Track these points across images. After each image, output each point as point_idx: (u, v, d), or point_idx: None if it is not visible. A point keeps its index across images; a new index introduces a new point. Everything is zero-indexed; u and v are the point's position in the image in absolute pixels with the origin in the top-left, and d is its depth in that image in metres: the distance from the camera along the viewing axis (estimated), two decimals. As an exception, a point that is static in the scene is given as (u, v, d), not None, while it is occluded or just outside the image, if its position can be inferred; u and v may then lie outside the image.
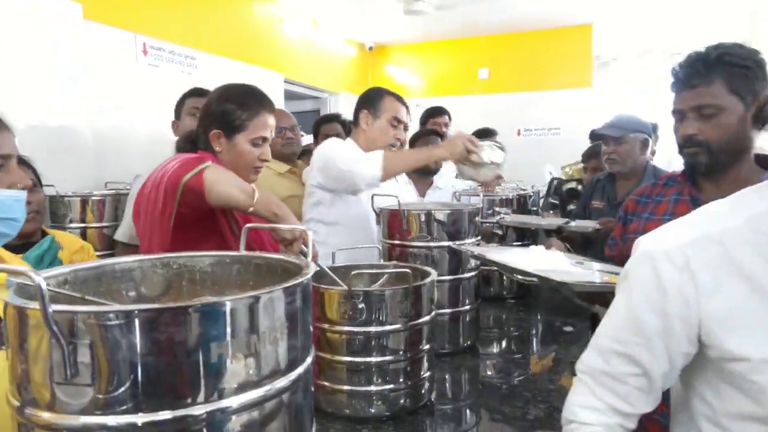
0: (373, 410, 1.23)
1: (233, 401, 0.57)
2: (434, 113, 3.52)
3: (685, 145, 1.24)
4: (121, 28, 3.01)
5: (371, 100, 2.12)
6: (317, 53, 5.16)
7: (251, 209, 1.29)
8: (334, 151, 1.99)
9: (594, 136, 2.30)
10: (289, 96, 4.71)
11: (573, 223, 2.13)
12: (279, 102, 4.34)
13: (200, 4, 3.69)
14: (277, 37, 4.56)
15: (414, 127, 3.25)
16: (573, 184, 3.08)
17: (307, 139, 3.28)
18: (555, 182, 3.20)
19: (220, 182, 1.26)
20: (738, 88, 1.16)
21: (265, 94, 1.54)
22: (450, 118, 3.55)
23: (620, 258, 1.40)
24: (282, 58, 4.59)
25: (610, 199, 2.25)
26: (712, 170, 1.24)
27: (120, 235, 2.15)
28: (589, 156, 2.93)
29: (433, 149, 1.87)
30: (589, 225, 2.06)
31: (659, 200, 1.39)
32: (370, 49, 6.15)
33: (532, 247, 1.40)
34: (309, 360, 0.68)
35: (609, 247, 1.55)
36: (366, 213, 2.04)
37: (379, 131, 2.09)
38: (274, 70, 4.40)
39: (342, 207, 2.03)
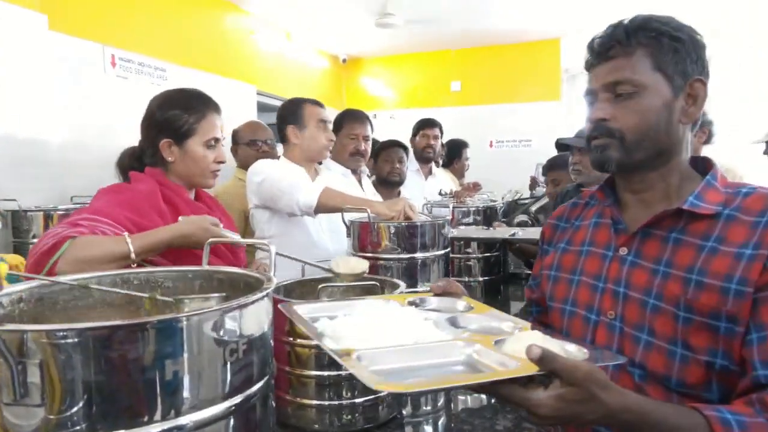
0: (341, 424, 1.22)
1: (190, 418, 0.57)
2: (425, 125, 3.49)
3: (592, 134, 0.94)
4: (89, 39, 2.97)
5: (292, 113, 2.14)
6: (290, 65, 5.17)
7: (135, 264, 1.12)
8: (273, 172, 2.01)
9: (559, 145, 2.32)
10: (262, 108, 4.70)
11: (519, 233, 2.14)
12: (251, 113, 4.32)
13: (170, 15, 3.66)
14: (250, 49, 4.55)
15: (399, 137, 3.27)
16: (524, 218, 3.04)
17: (280, 149, 3.27)
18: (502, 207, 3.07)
19: (81, 269, 0.98)
20: (665, 66, 0.89)
21: (208, 95, 1.50)
22: (441, 131, 3.53)
23: (545, 302, 1.12)
24: (254, 69, 4.58)
25: None
26: (624, 169, 0.95)
27: None
28: (550, 168, 2.95)
29: (374, 203, 1.88)
30: (534, 235, 2.07)
31: (578, 225, 1.09)
32: (344, 61, 6.18)
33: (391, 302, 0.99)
34: (268, 375, 0.68)
35: (530, 288, 1.21)
36: (305, 226, 2.07)
37: (310, 139, 2.12)
38: (247, 82, 4.39)
39: (270, 225, 2.06)
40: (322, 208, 1.90)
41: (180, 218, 1.22)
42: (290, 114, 2.14)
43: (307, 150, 2.13)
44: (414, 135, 3.49)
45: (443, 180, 3.61)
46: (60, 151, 2.69)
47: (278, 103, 5.11)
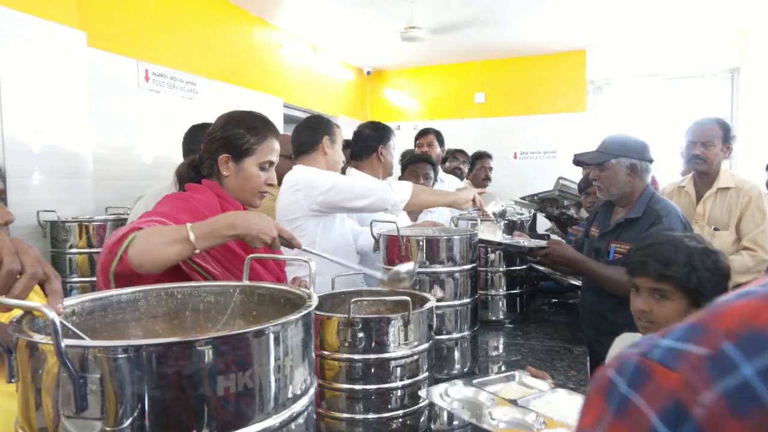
0: (372, 438, 1.23)
1: (238, 434, 0.59)
2: (419, 135, 3.69)
3: None
4: (124, 55, 3.07)
5: (330, 127, 2.26)
6: (316, 78, 5.24)
7: (197, 251, 1.15)
8: (339, 177, 2.10)
9: (576, 162, 2.25)
10: (288, 120, 4.77)
11: (525, 242, 2.19)
12: (278, 126, 4.38)
13: (201, 30, 3.76)
14: (277, 63, 4.63)
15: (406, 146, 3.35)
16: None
17: None
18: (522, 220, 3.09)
19: (148, 254, 1.09)
20: None
21: (270, 120, 1.56)
22: (438, 139, 3.62)
23: None
24: (281, 82, 4.66)
25: (602, 225, 2.22)
26: None
27: None
28: (586, 185, 2.91)
29: (449, 196, 2.09)
30: (533, 243, 2.16)
31: None
32: (368, 73, 6.24)
33: None
34: (312, 391, 0.69)
35: None
36: (344, 234, 2.14)
37: (338, 155, 2.23)
38: (274, 95, 4.47)
39: (318, 230, 2.07)
40: (412, 204, 2.01)
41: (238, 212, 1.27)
42: (328, 126, 2.24)
43: (333, 164, 2.22)
44: (414, 147, 3.69)
45: (451, 187, 3.58)
46: (96, 163, 2.78)
47: (304, 116, 5.20)
